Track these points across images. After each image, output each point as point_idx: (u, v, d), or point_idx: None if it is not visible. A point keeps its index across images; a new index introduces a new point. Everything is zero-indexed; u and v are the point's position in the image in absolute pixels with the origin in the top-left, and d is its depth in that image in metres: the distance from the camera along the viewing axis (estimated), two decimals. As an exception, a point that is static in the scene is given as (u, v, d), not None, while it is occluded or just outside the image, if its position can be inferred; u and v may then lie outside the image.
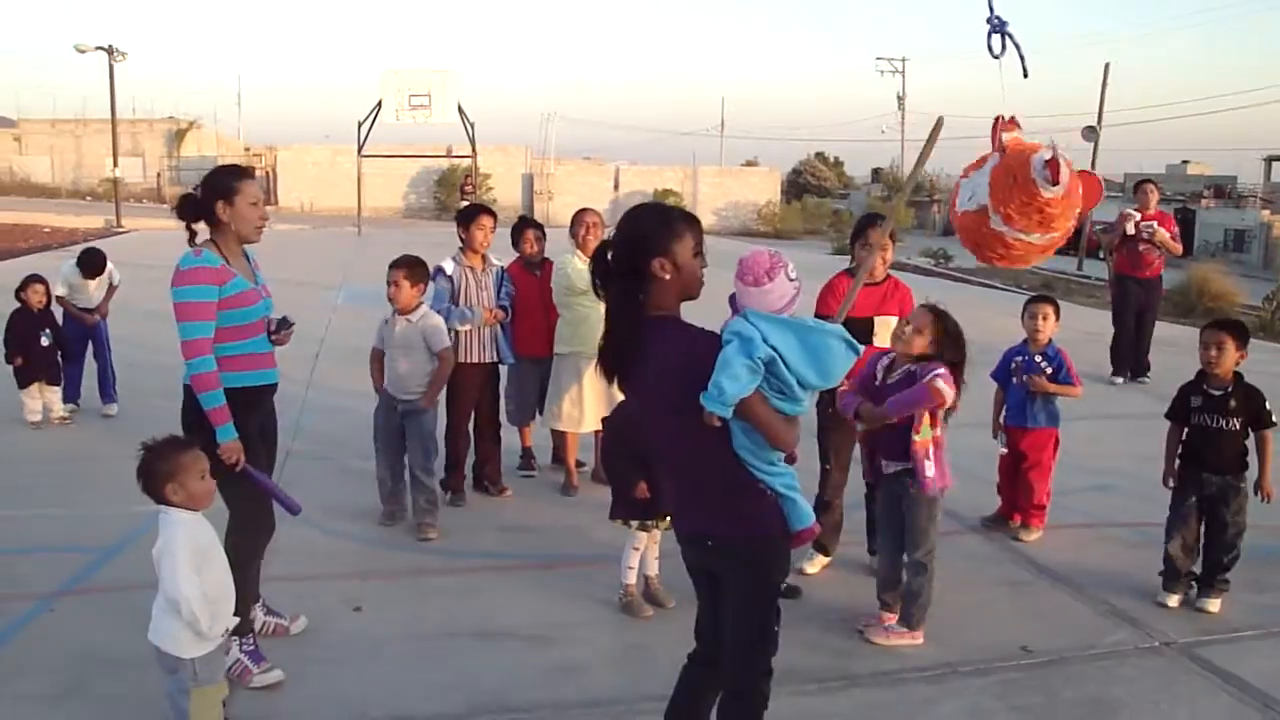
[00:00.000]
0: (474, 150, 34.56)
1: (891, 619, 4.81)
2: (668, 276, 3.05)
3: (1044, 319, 6.24)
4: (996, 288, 22.58)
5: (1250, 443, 5.18)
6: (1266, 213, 47.16)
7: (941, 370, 4.61)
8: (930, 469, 4.64)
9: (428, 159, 47.85)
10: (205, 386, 4.05)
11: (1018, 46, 4.14)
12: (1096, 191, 5.08)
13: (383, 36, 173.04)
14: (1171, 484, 5.34)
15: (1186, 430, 5.29)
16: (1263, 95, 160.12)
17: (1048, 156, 3.85)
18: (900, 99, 60.13)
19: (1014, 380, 6.26)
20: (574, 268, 6.42)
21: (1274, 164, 55.86)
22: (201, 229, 4.25)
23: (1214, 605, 5.13)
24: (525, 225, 6.89)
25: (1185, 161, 62.06)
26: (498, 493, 6.68)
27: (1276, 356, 12.02)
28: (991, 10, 4.03)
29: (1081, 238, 38.80)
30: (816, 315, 5.48)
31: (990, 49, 4.16)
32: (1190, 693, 4.33)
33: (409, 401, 5.94)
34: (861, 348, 3.15)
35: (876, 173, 66.16)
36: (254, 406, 4.29)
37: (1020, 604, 5.22)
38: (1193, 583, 5.23)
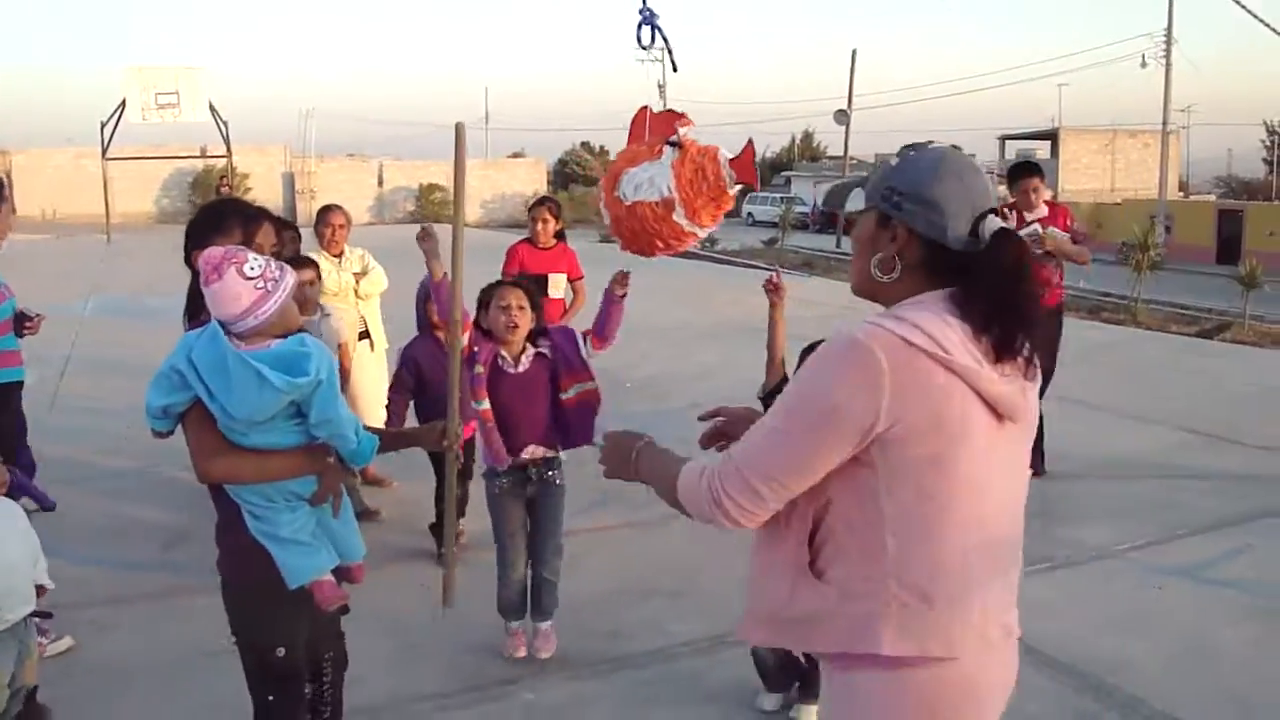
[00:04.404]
0: (229, 150, 33.27)
1: (521, 634, 4.51)
2: None
3: None
4: (759, 268, 23.37)
5: None
6: (1002, 188, 50.44)
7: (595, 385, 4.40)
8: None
9: (180, 160, 45.63)
10: None
11: (665, 40, 4.28)
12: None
13: (124, 31, 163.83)
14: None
15: None
16: (996, 79, 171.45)
17: (731, 156, 4.01)
18: (661, 87, 61.10)
19: None
20: (321, 268, 6.27)
21: (1008, 143, 59.91)
22: None
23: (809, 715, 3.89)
24: (278, 225, 6.64)
25: (930, 142, 65.53)
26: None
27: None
28: (644, 3, 4.14)
29: (841, 218, 40.63)
30: (504, 274, 5.69)
31: (639, 41, 4.28)
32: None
33: None
34: (284, 383, 2.67)
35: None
36: (4, 404, 4.23)
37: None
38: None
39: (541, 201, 7.32)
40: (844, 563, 1.94)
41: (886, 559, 1.89)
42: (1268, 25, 21.83)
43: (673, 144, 4.96)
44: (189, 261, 3.25)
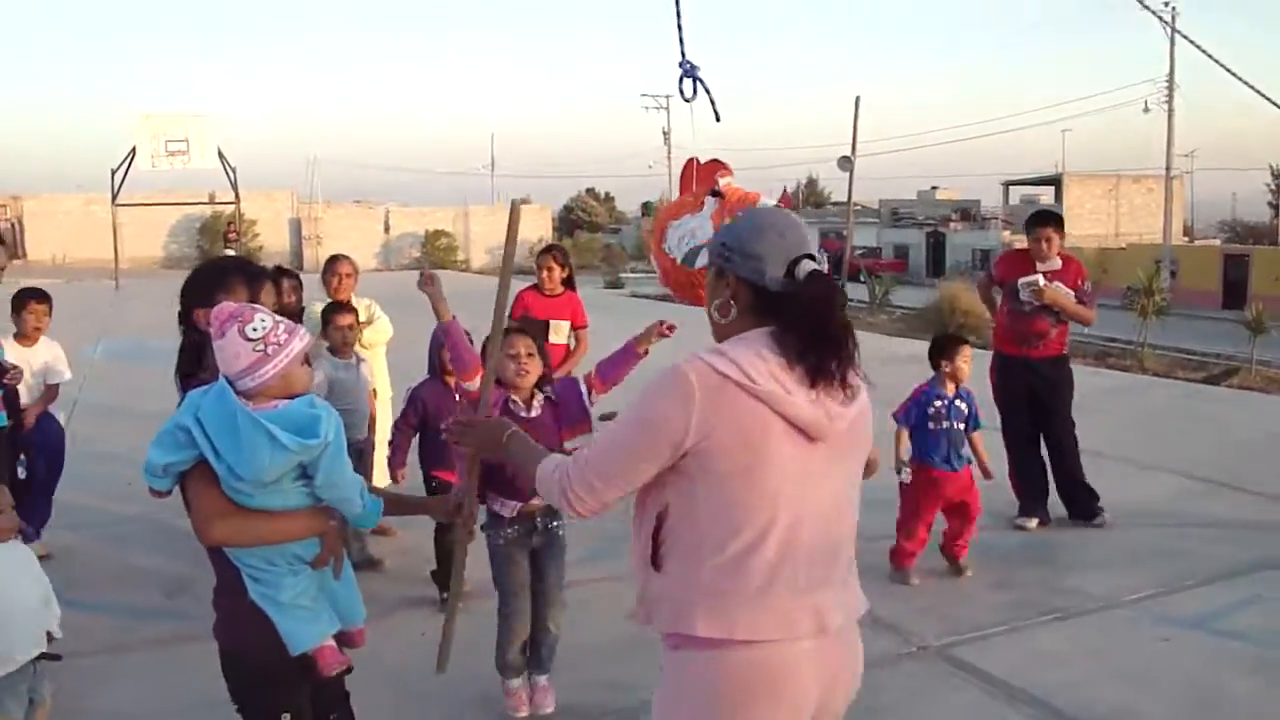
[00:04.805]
0: (236, 196, 33.45)
1: (522, 693, 4.45)
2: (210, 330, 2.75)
3: (966, 361, 5.96)
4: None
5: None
6: (1007, 233, 50.83)
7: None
8: None
9: (189, 206, 45.95)
10: None
11: (708, 91, 4.28)
12: None
13: (136, 80, 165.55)
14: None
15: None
16: (1001, 125, 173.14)
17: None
18: (666, 134, 61.64)
19: (931, 425, 5.86)
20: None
21: (1012, 188, 60.17)
22: None
23: None
24: (278, 275, 6.67)
25: (935, 187, 66.02)
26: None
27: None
28: (683, 55, 4.15)
29: (843, 262, 40.77)
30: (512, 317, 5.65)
31: (682, 93, 4.28)
32: (945, 690, 4.58)
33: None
34: (295, 443, 2.64)
35: (646, 206, 67.50)
36: None
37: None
38: None
39: (548, 249, 7.50)
40: (674, 556, 2.28)
41: (703, 553, 2.23)
42: (1261, 94, 22.04)
43: (715, 194, 4.93)
44: (184, 319, 3.25)
